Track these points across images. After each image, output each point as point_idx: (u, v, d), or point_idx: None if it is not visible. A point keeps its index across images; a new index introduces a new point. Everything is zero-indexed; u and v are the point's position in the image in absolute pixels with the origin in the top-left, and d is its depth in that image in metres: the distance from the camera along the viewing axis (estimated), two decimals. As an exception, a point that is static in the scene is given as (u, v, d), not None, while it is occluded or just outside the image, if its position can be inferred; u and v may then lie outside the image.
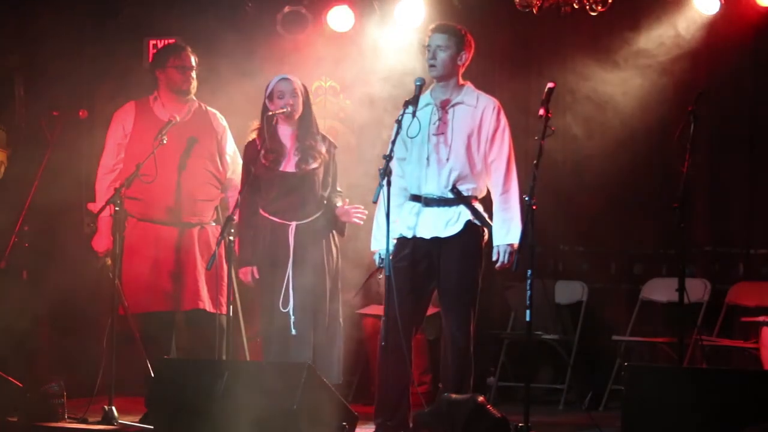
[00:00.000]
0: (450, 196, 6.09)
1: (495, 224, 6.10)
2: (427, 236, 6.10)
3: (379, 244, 6.18)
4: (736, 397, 5.33)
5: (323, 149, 6.49)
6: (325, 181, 6.48)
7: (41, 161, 6.99)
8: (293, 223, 6.42)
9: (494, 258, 6.09)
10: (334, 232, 6.51)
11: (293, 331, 6.32)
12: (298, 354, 6.27)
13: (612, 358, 7.63)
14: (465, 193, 6.09)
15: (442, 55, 6.09)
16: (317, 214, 6.44)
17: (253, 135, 6.52)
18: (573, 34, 7.87)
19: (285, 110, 6.40)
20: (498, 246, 6.08)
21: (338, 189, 6.59)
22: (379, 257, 6.20)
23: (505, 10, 7.73)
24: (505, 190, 6.09)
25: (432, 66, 6.12)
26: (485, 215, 6.14)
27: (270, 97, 6.46)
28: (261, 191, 6.47)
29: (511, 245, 6.05)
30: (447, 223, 6.08)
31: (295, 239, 6.39)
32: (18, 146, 7.91)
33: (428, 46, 6.13)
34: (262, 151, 6.41)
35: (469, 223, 6.09)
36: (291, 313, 6.34)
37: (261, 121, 6.49)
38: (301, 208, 6.41)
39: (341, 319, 6.51)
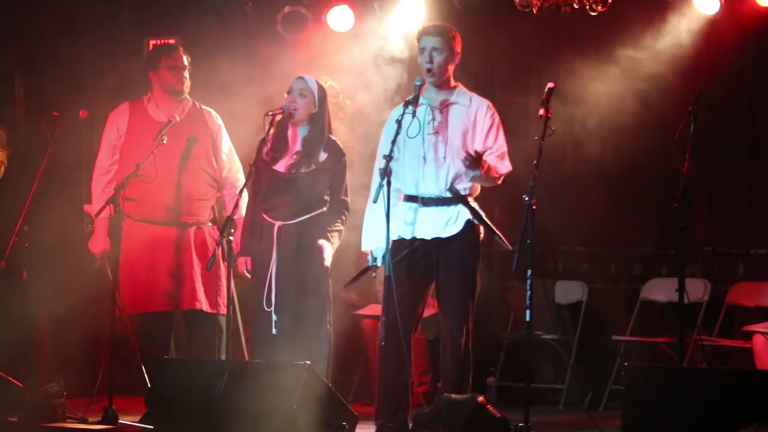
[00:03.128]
0: (448, 195, 6.08)
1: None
2: (428, 237, 6.07)
3: (372, 244, 6.15)
4: (736, 397, 5.33)
5: (323, 156, 6.45)
6: (317, 187, 6.41)
7: (41, 161, 6.98)
8: (278, 223, 6.41)
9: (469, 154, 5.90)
10: (329, 235, 6.45)
11: (274, 331, 6.33)
12: (279, 355, 6.25)
13: (612, 358, 7.63)
14: (462, 192, 6.09)
15: (439, 59, 6.07)
16: (304, 217, 6.39)
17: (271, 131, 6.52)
18: (573, 34, 7.87)
19: (283, 110, 6.40)
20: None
21: (342, 197, 6.49)
22: (372, 257, 6.18)
23: (505, 10, 7.72)
24: (500, 162, 6.05)
25: (429, 71, 6.08)
26: (482, 213, 6.13)
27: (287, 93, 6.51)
28: (261, 187, 6.49)
29: (484, 163, 5.90)
30: (447, 222, 6.07)
31: (278, 239, 6.38)
32: (18, 146, 7.91)
33: (423, 48, 6.11)
34: (266, 147, 6.44)
35: (468, 222, 6.07)
36: (273, 312, 6.34)
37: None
38: (288, 209, 6.39)
39: (329, 324, 6.43)
